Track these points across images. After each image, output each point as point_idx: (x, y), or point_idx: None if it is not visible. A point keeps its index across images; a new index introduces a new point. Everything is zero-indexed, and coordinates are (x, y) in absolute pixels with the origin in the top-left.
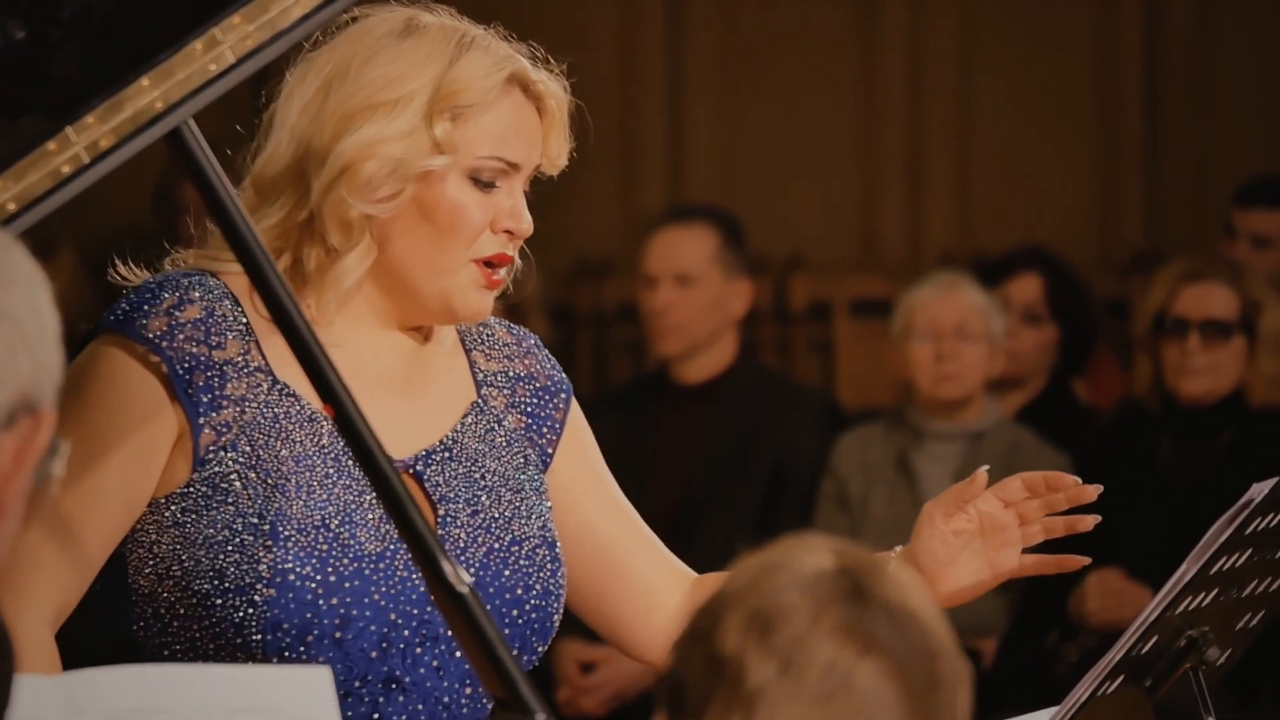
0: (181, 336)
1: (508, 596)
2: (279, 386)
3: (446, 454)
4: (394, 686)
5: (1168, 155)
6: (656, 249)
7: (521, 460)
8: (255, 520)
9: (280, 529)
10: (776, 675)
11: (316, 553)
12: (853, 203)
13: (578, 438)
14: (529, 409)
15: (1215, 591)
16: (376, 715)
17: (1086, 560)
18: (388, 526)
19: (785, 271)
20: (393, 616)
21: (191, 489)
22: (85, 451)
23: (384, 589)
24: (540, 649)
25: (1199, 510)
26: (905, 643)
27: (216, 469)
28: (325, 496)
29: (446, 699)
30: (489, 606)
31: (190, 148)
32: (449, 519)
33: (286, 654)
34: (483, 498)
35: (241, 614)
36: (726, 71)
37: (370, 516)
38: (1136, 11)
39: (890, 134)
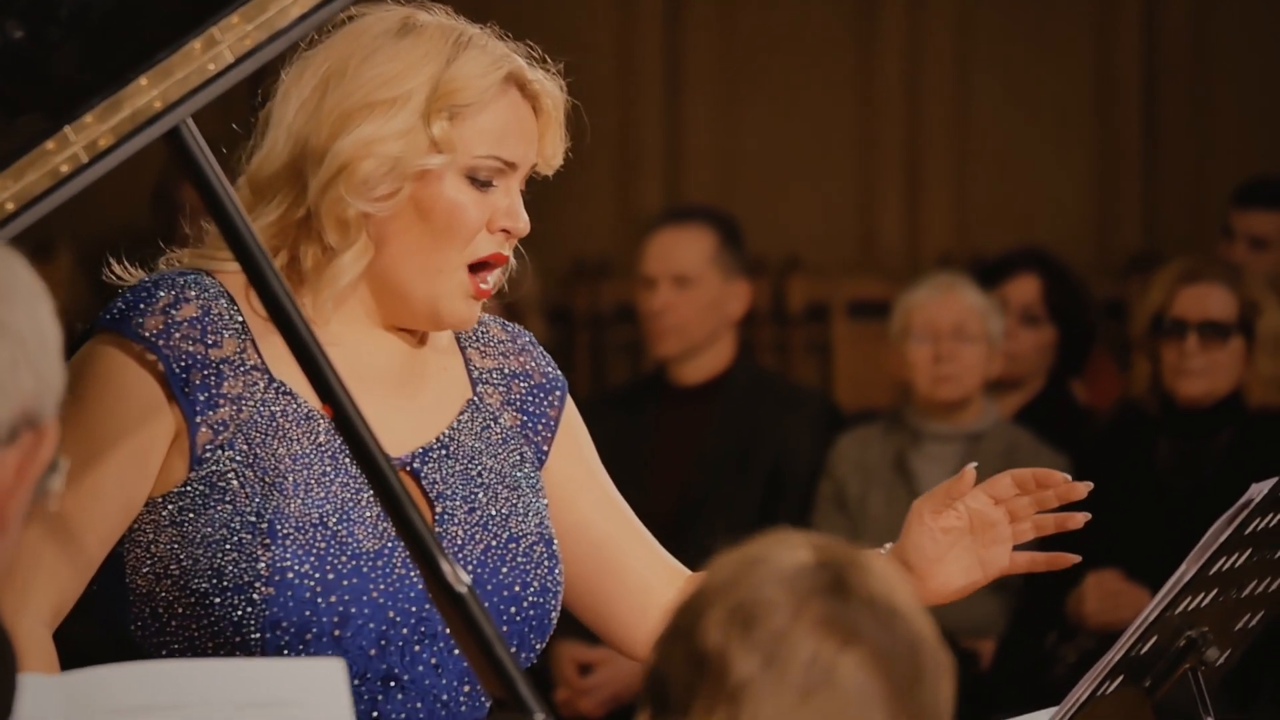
0: (178, 335)
1: (505, 594)
2: (275, 385)
3: (443, 451)
4: (392, 684)
5: (1166, 156)
6: (654, 250)
7: (518, 457)
8: (253, 519)
9: (278, 527)
10: (760, 669)
11: (315, 550)
12: (851, 204)
13: (573, 435)
14: (524, 406)
15: (1215, 592)
16: (375, 713)
17: (1077, 558)
18: (385, 524)
19: (783, 273)
20: (391, 614)
21: (189, 488)
22: (82, 451)
23: (382, 587)
24: (538, 646)
25: (1197, 511)
26: (887, 634)
27: (214, 468)
28: (323, 494)
29: (445, 696)
30: (487, 604)
31: (189, 147)
32: (446, 516)
33: (285, 652)
34: (480, 495)
35: (240, 612)
36: (724, 73)
37: (368, 514)
38: (1135, 12)
39: (888, 135)
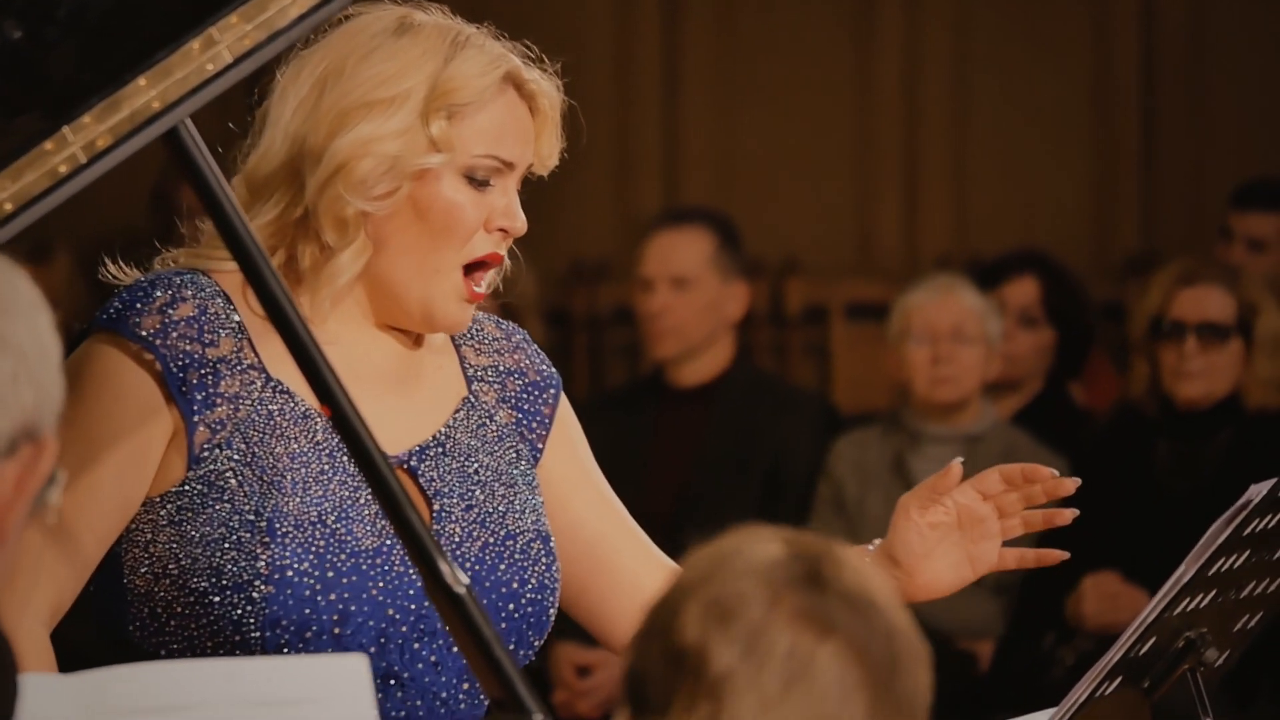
0: (175, 334)
1: (503, 591)
2: (272, 384)
3: (440, 449)
4: (392, 682)
5: (1164, 158)
6: (652, 252)
7: (514, 455)
8: (252, 517)
9: (277, 526)
10: (739, 660)
11: (314, 549)
12: (848, 206)
13: (567, 433)
14: (520, 403)
15: (1213, 593)
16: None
17: (1065, 555)
18: (384, 522)
19: (781, 275)
20: (390, 612)
21: (187, 487)
22: (80, 450)
23: (381, 584)
24: (536, 643)
25: (1195, 513)
26: (863, 624)
27: (212, 467)
28: (321, 493)
29: (444, 694)
30: (485, 601)
31: (187, 147)
32: (444, 514)
33: (285, 650)
34: (477, 492)
35: (240, 611)
36: (723, 74)
37: (366, 512)
38: (1133, 14)
39: (886, 137)
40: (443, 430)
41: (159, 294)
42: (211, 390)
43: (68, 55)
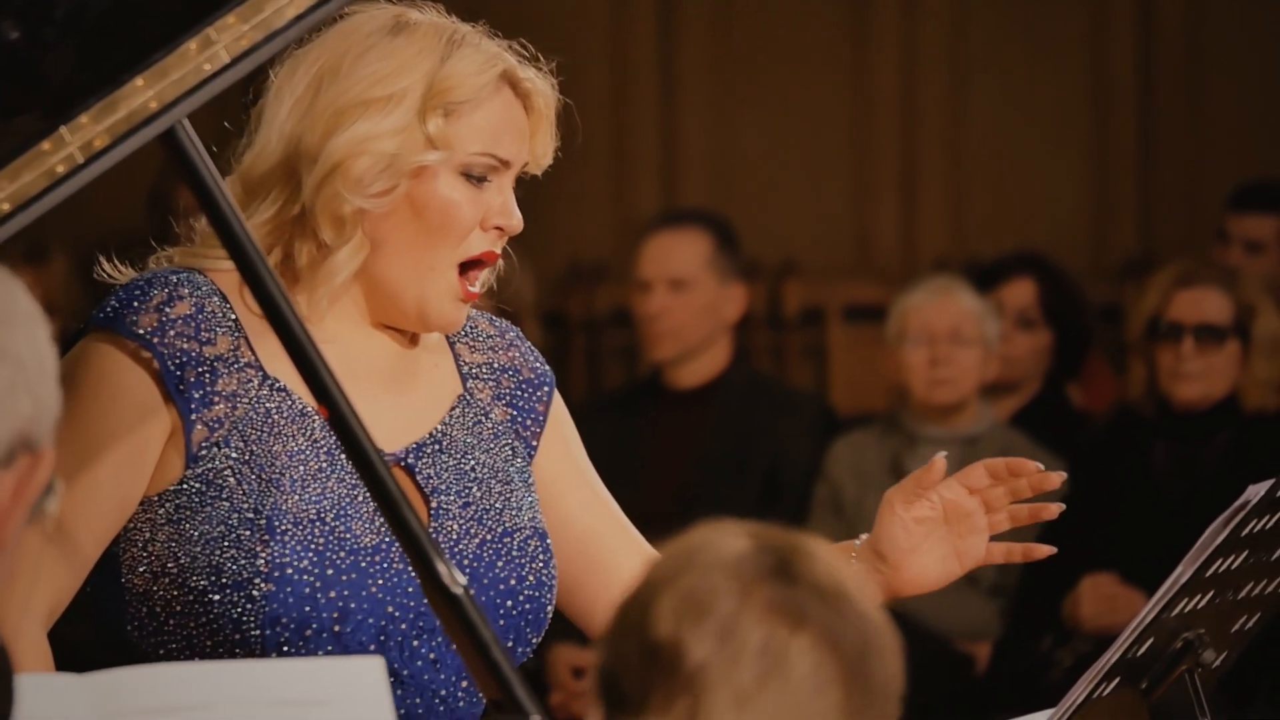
0: (172, 333)
1: (501, 588)
2: (270, 382)
3: (436, 446)
4: (391, 680)
5: (1161, 160)
6: (650, 254)
7: (509, 452)
8: (251, 515)
9: (276, 524)
10: (714, 651)
11: (314, 546)
12: (846, 208)
13: (560, 431)
14: (514, 401)
15: (1211, 594)
16: None
17: (1052, 550)
18: (383, 519)
19: (779, 277)
20: (390, 609)
21: (185, 486)
22: (77, 449)
23: (380, 582)
24: (534, 640)
25: (1193, 515)
26: (835, 615)
27: (210, 465)
28: (320, 490)
29: (444, 692)
30: (483, 598)
31: (185, 148)
32: (441, 511)
33: (285, 648)
34: (474, 489)
35: (240, 609)
36: (719, 76)
37: (365, 510)
38: (1130, 16)
39: (883, 139)
40: (439, 428)
41: (156, 292)
42: (209, 389)
43: (65, 56)
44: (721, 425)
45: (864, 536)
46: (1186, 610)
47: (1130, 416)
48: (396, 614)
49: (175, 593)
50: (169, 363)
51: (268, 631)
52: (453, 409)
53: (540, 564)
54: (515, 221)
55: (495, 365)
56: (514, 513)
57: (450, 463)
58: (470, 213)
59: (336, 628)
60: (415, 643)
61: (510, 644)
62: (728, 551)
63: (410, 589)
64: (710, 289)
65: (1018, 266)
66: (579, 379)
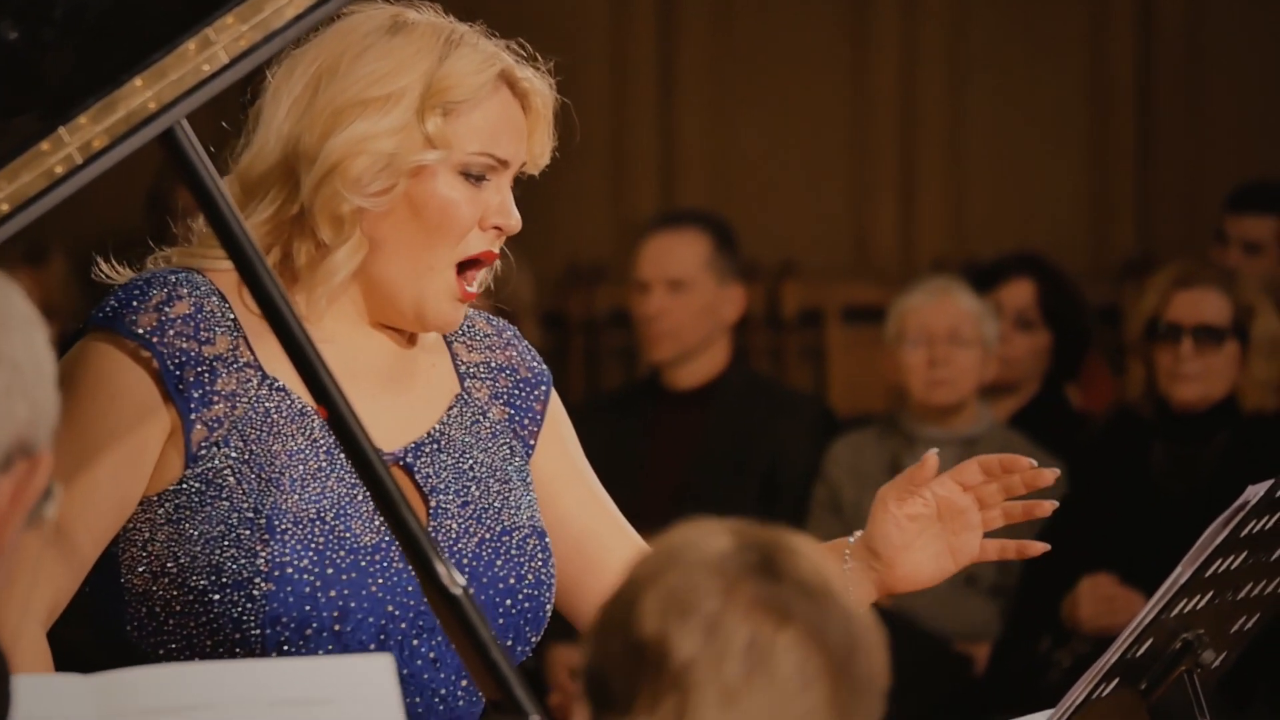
0: (172, 332)
1: (500, 586)
2: (269, 381)
3: (435, 445)
4: None
5: (1160, 161)
6: (649, 254)
7: (507, 451)
8: (251, 515)
9: (276, 523)
10: (701, 648)
11: (314, 545)
12: (845, 208)
13: (558, 429)
14: (512, 400)
15: (1211, 594)
16: None
17: (1046, 547)
18: (382, 518)
19: (777, 278)
20: (390, 608)
21: (185, 485)
22: (77, 449)
23: (380, 581)
24: (534, 639)
25: (1191, 516)
26: (820, 611)
27: (209, 465)
28: (319, 490)
29: (443, 691)
30: (482, 597)
31: (183, 148)
32: (440, 510)
33: (285, 648)
34: (472, 488)
35: (240, 609)
36: (718, 77)
37: (364, 509)
38: (1129, 17)
39: (882, 139)
40: (437, 427)
41: (155, 292)
42: (208, 388)
43: (64, 56)
44: (720, 426)
45: (858, 534)
46: (1186, 611)
47: (1129, 417)
48: (396, 613)
49: (175, 592)
50: (168, 362)
51: (268, 631)
52: (450, 408)
53: (539, 563)
54: (514, 221)
55: (493, 364)
56: (512, 511)
57: (449, 462)
58: (468, 212)
59: (337, 627)
60: (415, 642)
61: (510, 643)
62: (710, 550)
63: (410, 588)
64: (709, 290)
65: (1016, 267)
66: (578, 380)
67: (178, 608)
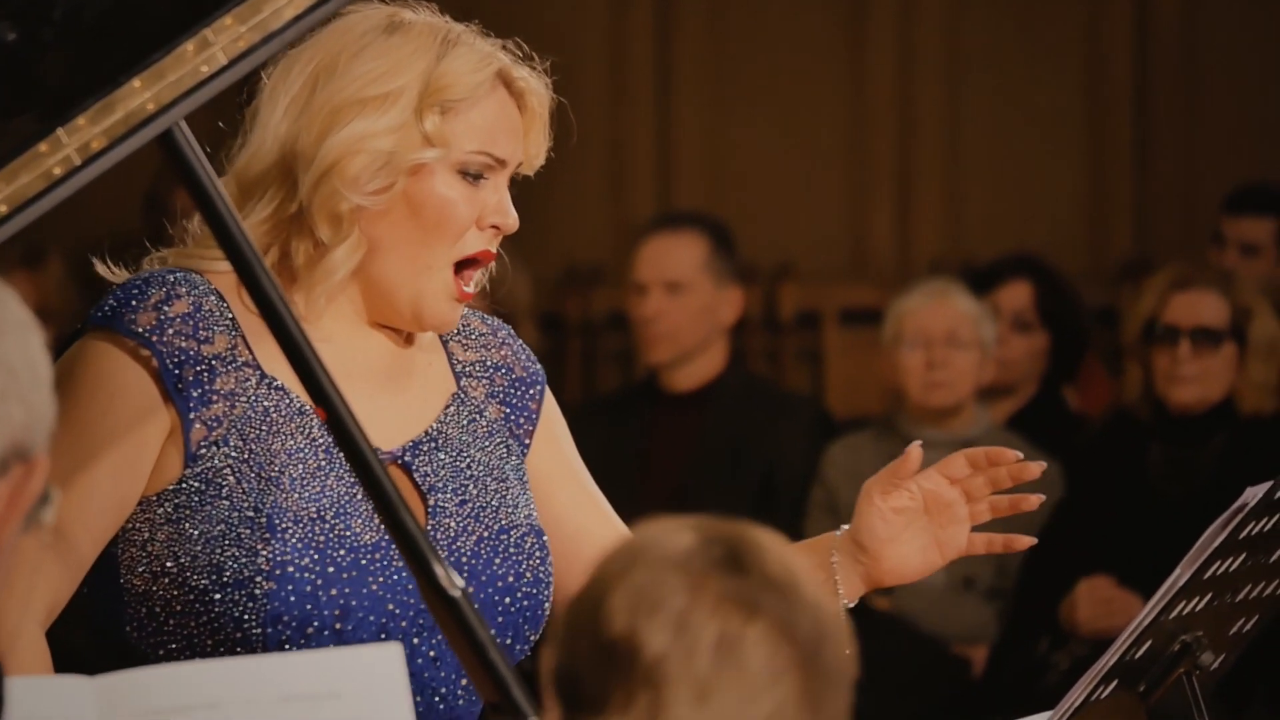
0: (171, 331)
1: (500, 585)
2: (267, 381)
3: (433, 444)
4: None
5: (1157, 163)
6: (646, 256)
7: (504, 450)
8: (251, 514)
9: (277, 522)
10: (671, 643)
11: (315, 544)
12: (842, 211)
13: (552, 428)
14: (507, 399)
15: (1209, 596)
16: None
17: (1033, 540)
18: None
19: (774, 280)
20: (390, 607)
21: (184, 485)
22: (76, 448)
23: (381, 579)
24: (533, 638)
25: (1189, 518)
26: (787, 603)
27: (209, 464)
28: (319, 489)
29: (444, 689)
30: (481, 596)
31: (182, 150)
32: (439, 509)
33: (286, 646)
34: (470, 487)
35: (241, 608)
36: (715, 80)
37: (364, 507)
38: (1126, 18)
39: (879, 142)
40: (434, 426)
41: (154, 291)
42: (207, 387)
43: (62, 57)
44: (717, 428)
45: (845, 528)
46: (1185, 613)
47: (1126, 419)
48: (397, 611)
49: (175, 592)
50: (168, 361)
51: (269, 630)
52: (447, 407)
53: (537, 561)
54: (511, 220)
55: (488, 363)
56: (510, 510)
57: (446, 460)
58: (466, 211)
59: (338, 625)
60: (415, 640)
61: (509, 642)
62: (674, 547)
63: (410, 586)
64: (706, 292)
65: (1014, 269)
66: (575, 382)
67: (178, 607)
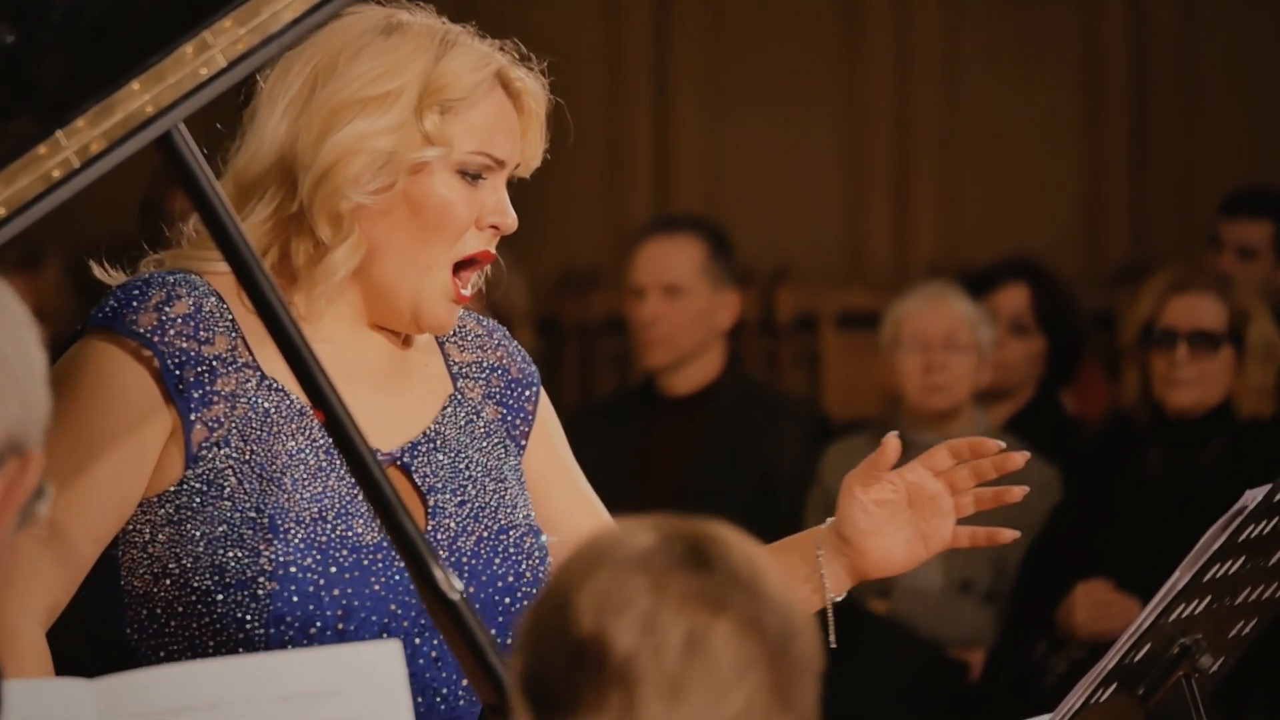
0: (172, 331)
1: (500, 585)
2: (267, 382)
3: (431, 445)
4: None
5: (1154, 166)
6: (644, 260)
7: (502, 450)
8: (254, 515)
9: (279, 522)
10: (639, 640)
11: (317, 544)
12: (839, 215)
13: (546, 429)
14: (504, 399)
15: (1208, 599)
16: None
17: (1016, 534)
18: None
19: (772, 283)
20: (392, 607)
21: (185, 486)
22: (77, 449)
23: (383, 580)
24: None
25: (1187, 521)
26: (752, 598)
27: (210, 465)
28: (321, 489)
29: (444, 690)
30: (482, 596)
31: (181, 152)
32: (439, 509)
33: (289, 647)
34: (469, 487)
35: (244, 609)
36: (713, 83)
37: (365, 508)
38: (1123, 22)
39: (876, 146)
40: (433, 426)
41: (154, 292)
42: (208, 388)
43: (61, 59)
44: (715, 432)
45: (829, 521)
46: (1184, 615)
47: (1124, 423)
48: (399, 612)
49: (177, 594)
50: (169, 362)
51: (271, 630)
52: (445, 408)
53: (536, 561)
54: (510, 220)
55: (484, 364)
56: (509, 510)
57: (445, 461)
58: (466, 211)
59: (340, 625)
60: (417, 640)
61: (509, 642)
62: (635, 547)
63: (411, 586)
64: (704, 295)
65: (1011, 272)
66: (572, 385)
67: (180, 609)
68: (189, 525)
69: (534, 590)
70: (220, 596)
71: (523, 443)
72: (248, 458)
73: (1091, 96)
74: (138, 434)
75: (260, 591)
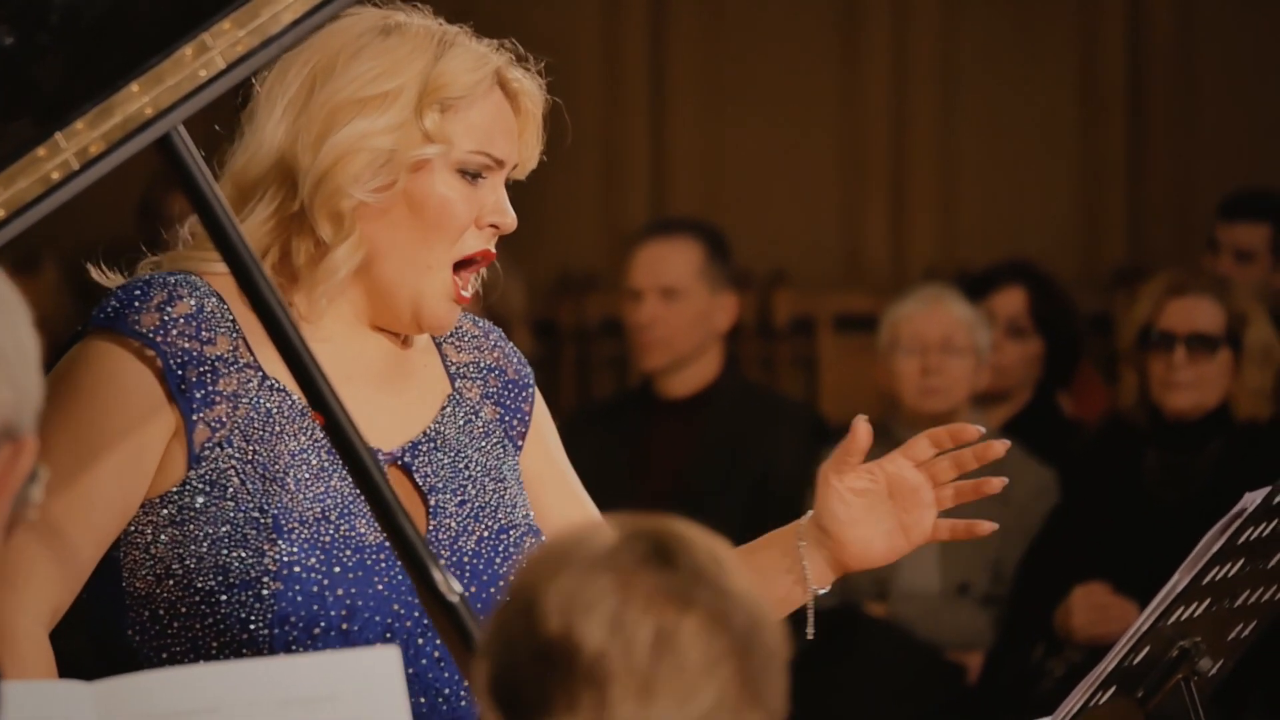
0: (174, 331)
1: (500, 584)
2: (269, 382)
3: (431, 445)
4: None
5: (1151, 169)
6: (641, 262)
7: (500, 450)
8: (257, 515)
9: (283, 522)
10: (609, 638)
11: (320, 544)
12: (836, 217)
13: (541, 429)
14: (501, 400)
15: (1208, 602)
16: None
17: (994, 526)
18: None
19: (769, 286)
20: (395, 607)
21: (188, 486)
22: (78, 450)
23: (386, 579)
24: None
25: (1185, 524)
26: (718, 593)
27: (213, 466)
28: (323, 489)
29: (447, 690)
30: (483, 595)
31: (180, 154)
32: (440, 509)
33: (293, 647)
34: (469, 487)
35: (248, 609)
36: (710, 86)
37: (367, 508)
38: (1120, 25)
39: (874, 148)
40: (432, 426)
41: (156, 292)
42: (210, 388)
43: (60, 61)
44: (712, 434)
45: (810, 513)
46: (1183, 618)
47: (1122, 426)
48: (402, 612)
49: (180, 594)
50: (171, 362)
51: (276, 631)
52: (444, 408)
53: None
54: (510, 219)
55: (482, 365)
56: (509, 509)
57: (445, 461)
58: (465, 210)
59: (344, 625)
60: (420, 640)
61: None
62: (599, 546)
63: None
64: (701, 298)
65: (1008, 275)
66: (569, 388)
67: (183, 610)
68: (192, 526)
69: None
70: (224, 597)
71: (519, 443)
72: (250, 458)
73: (1090, 99)
74: (140, 434)
75: (265, 591)
